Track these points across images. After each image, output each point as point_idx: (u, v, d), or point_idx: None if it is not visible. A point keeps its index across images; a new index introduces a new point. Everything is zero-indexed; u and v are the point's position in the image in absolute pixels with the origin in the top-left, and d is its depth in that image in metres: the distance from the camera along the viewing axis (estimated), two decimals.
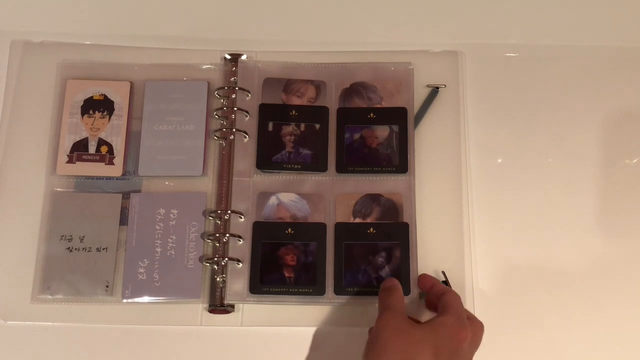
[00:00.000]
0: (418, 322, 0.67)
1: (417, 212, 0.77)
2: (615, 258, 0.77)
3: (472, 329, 0.66)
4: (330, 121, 0.79)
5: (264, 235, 0.76)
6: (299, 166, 0.78)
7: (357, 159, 0.78)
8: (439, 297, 0.69)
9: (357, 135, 0.79)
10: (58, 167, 0.78)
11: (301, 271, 0.74)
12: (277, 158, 0.78)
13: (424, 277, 0.74)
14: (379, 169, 0.77)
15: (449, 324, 0.64)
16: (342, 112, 0.80)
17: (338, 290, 0.74)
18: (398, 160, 0.77)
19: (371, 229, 0.75)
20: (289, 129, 0.79)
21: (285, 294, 0.74)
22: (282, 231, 0.76)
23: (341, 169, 0.78)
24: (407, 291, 0.73)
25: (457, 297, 0.68)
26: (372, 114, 0.79)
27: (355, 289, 0.74)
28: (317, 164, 0.78)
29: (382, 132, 0.79)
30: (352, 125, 0.79)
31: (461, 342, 0.64)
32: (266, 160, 0.78)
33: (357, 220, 0.76)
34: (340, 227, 0.76)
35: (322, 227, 0.76)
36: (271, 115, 0.79)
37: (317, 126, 0.79)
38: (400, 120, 0.79)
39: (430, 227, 0.77)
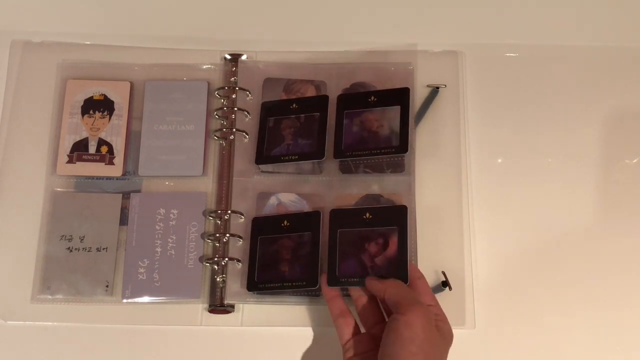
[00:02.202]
0: None
1: (417, 212, 0.76)
2: (615, 257, 0.77)
3: None
4: (332, 110, 0.78)
5: (262, 231, 0.75)
6: (297, 157, 0.77)
7: (356, 143, 0.76)
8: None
9: (357, 120, 0.78)
10: (58, 167, 0.78)
11: (295, 264, 0.73)
12: (276, 151, 0.78)
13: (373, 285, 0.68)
14: (378, 151, 0.76)
15: (450, 330, 0.65)
16: (342, 99, 0.79)
17: (331, 282, 0.70)
18: (398, 140, 0.76)
19: (367, 214, 0.72)
20: (289, 122, 0.79)
21: (280, 289, 0.72)
22: (279, 224, 0.75)
23: (339, 154, 0.76)
24: (405, 279, 0.67)
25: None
26: (373, 97, 0.78)
27: (349, 280, 0.70)
28: (313, 152, 0.77)
29: (382, 114, 0.78)
30: (352, 110, 0.78)
31: None
32: (265, 155, 0.77)
33: None
34: (335, 214, 0.73)
35: (316, 215, 0.74)
36: (272, 111, 0.79)
37: (317, 115, 0.78)
38: (402, 100, 0.77)
39: (431, 227, 0.76)
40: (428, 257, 0.75)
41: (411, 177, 0.77)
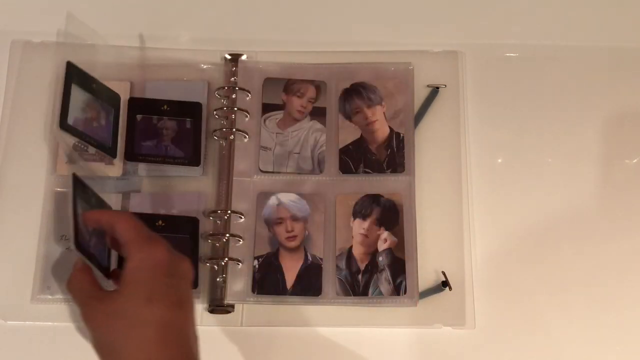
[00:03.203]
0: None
1: (417, 212, 0.77)
2: (615, 257, 0.77)
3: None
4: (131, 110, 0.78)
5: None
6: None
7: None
8: (112, 231, 0.63)
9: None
10: (58, 167, 0.78)
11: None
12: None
13: (87, 215, 0.65)
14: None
15: (152, 261, 0.59)
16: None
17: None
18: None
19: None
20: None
21: None
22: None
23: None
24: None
25: (131, 219, 0.61)
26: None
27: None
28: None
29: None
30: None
31: (186, 272, 0.61)
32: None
33: (357, 220, 0.76)
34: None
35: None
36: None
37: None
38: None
39: (430, 227, 0.77)
40: (428, 257, 0.75)
41: (411, 177, 0.78)
